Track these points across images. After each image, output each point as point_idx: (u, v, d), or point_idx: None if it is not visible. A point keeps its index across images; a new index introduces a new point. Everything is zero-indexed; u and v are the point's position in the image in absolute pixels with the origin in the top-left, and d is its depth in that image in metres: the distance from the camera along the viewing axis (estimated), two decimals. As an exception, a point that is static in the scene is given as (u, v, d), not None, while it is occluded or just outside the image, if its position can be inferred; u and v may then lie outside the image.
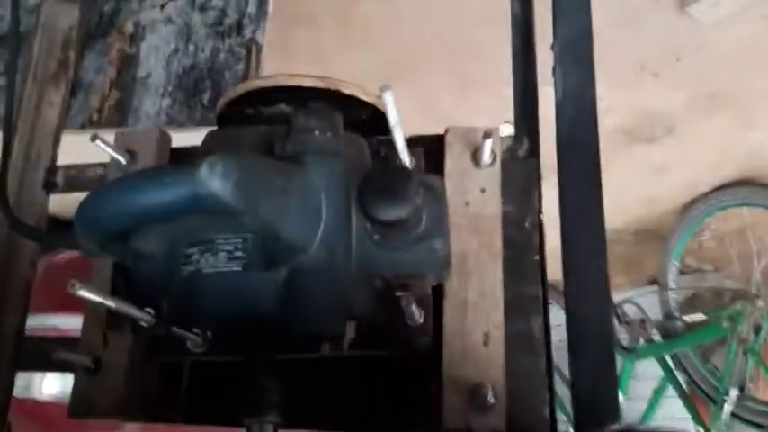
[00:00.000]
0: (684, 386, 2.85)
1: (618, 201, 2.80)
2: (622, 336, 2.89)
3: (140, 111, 1.08)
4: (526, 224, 0.78)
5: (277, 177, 0.50)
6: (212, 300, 0.53)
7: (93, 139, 0.74)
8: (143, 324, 0.62)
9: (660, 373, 2.91)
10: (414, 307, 0.56)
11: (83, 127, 1.07)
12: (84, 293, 0.50)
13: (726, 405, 2.56)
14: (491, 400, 0.63)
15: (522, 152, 0.82)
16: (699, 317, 2.83)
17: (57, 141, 1.03)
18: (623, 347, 2.81)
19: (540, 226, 0.78)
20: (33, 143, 0.99)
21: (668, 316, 3.07)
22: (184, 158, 0.84)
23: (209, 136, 0.61)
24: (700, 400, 2.78)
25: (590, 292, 0.44)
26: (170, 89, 1.07)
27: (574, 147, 0.47)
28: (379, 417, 0.75)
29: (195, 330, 0.65)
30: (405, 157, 0.61)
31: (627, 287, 3.25)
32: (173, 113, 1.06)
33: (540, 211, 0.79)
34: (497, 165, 0.73)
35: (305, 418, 0.76)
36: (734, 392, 2.55)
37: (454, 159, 0.73)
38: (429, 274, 0.55)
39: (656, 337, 2.95)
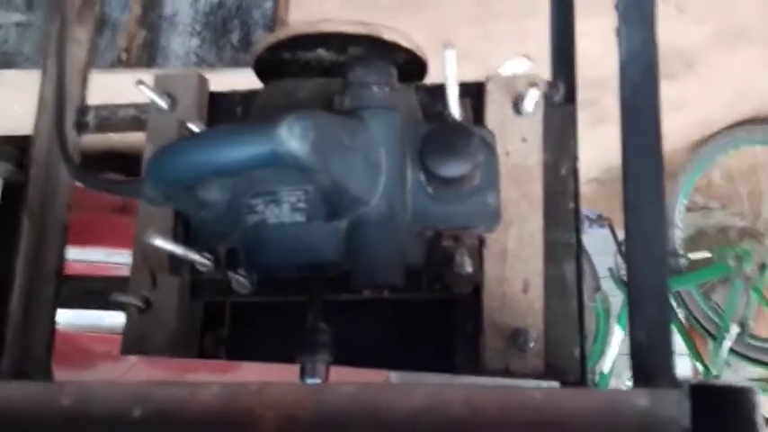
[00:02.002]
0: (684, 322, 2.92)
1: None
2: (624, 271, 2.93)
3: (168, 50, 1.07)
4: (562, 171, 0.79)
5: (345, 135, 0.51)
6: (276, 248, 0.55)
7: (139, 83, 0.74)
8: (201, 269, 0.65)
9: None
10: (465, 257, 0.58)
11: (111, 66, 1.06)
12: (159, 242, 0.52)
13: (726, 342, 2.63)
14: (530, 344, 0.66)
15: (558, 98, 0.82)
16: (704, 255, 2.87)
17: (85, 80, 1.03)
18: (625, 283, 2.86)
19: (575, 173, 0.80)
20: (62, 83, 0.99)
21: (673, 253, 3.11)
22: (225, 104, 0.85)
23: (268, 89, 0.62)
24: (699, 336, 2.85)
25: (651, 259, 0.46)
26: (198, 28, 1.06)
27: (637, 110, 0.47)
28: (423, 357, 0.79)
29: (244, 274, 0.68)
30: (455, 109, 0.62)
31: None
32: (202, 53, 1.05)
33: (575, 158, 0.80)
34: (539, 114, 0.73)
35: (353, 357, 0.80)
36: (735, 329, 2.62)
37: (495, 108, 0.73)
38: (480, 226, 0.57)
39: (660, 273, 2.99)
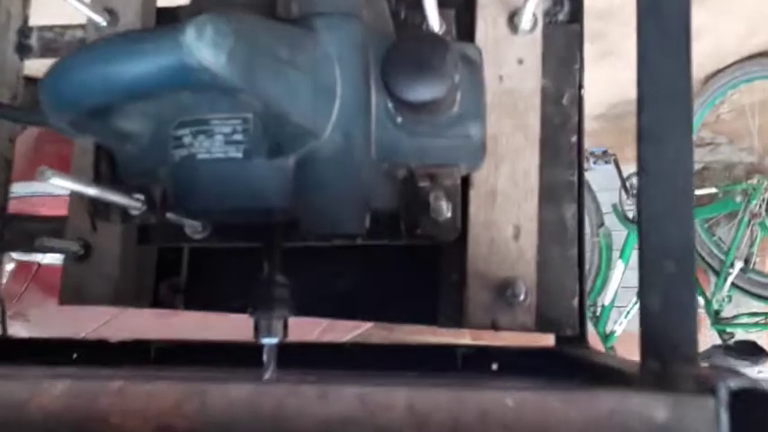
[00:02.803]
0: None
1: (635, 71, 2.64)
2: (629, 208, 2.85)
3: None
4: (564, 100, 0.69)
5: (282, 45, 0.40)
6: (208, 189, 0.45)
7: (64, -5, 0.63)
8: (133, 212, 0.55)
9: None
10: (441, 201, 0.48)
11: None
12: (58, 181, 0.42)
13: (729, 276, 2.58)
14: (520, 297, 0.58)
15: (561, 16, 0.71)
16: (709, 190, 2.77)
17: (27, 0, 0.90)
18: (629, 219, 2.78)
19: (579, 102, 0.69)
20: (1, 2, 0.87)
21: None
22: (174, 20, 0.73)
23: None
24: (701, 270, 2.80)
25: (672, 201, 0.36)
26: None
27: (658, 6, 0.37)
28: (403, 307, 0.71)
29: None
30: (434, 21, 0.51)
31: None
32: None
33: (580, 86, 0.69)
34: (538, 31, 0.62)
35: (318, 308, 0.72)
36: (739, 264, 2.56)
37: (488, 24, 0.62)
38: (461, 163, 0.47)
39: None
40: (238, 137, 0.44)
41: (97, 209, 0.52)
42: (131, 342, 0.73)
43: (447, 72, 0.41)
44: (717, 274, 2.69)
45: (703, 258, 2.78)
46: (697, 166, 3.07)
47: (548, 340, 0.69)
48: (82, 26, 0.87)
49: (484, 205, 0.59)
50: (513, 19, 0.61)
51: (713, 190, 2.78)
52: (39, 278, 1.81)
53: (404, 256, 0.73)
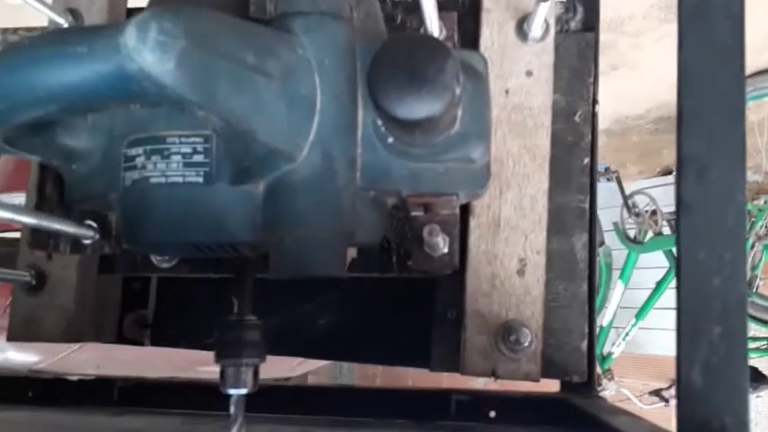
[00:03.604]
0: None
1: (644, 84, 2.59)
2: (630, 227, 2.79)
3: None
4: (576, 117, 0.62)
5: (248, 48, 0.33)
6: (163, 219, 0.38)
7: (18, -8, 0.56)
8: (84, 242, 0.48)
9: (663, 263, 2.84)
10: (437, 236, 0.41)
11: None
12: None
13: (732, 300, 2.50)
14: (524, 344, 0.50)
15: (574, 23, 0.64)
16: (714, 210, 2.70)
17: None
18: (630, 239, 2.72)
19: (593, 120, 0.62)
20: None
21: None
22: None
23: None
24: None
25: (720, 248, 0.29)
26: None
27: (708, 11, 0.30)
28: (393, 347, 0.64)
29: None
30: (434, 25, 0.44)
31: (640, 177, 3.13)
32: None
33: (594, 101, 0.63)
34: (550, 40, 0.55)
35: (295, 348, 0.65)
36: (743, 288, 2.49)
37: (493, 30, 0.55)
38: (461, 191, 0.40)
39: (666, 229, 2.86)
40: (199, 158, 0.37)
41: (43, 237, 0.45)
42: (93, 381, 0.66)
43: (447, 84, 0.34)
44: (720, 296, 2.62)
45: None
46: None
47: (552, 384, 0.62)
48: (41, 29, 0.80)
49: (486, 235, 0.52)
50: (522, 25, 0.54)
51: (717, 210, 2.72)
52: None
53: (393, 289, 0.66)
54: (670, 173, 3.07)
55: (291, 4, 0.37)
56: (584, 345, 0.60)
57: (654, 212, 2.87)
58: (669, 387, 2.83)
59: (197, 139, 0.37)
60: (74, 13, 0.63)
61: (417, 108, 0.34)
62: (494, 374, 0.52)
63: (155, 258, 0.55)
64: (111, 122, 0.39)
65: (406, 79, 0.34)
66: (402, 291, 0.65)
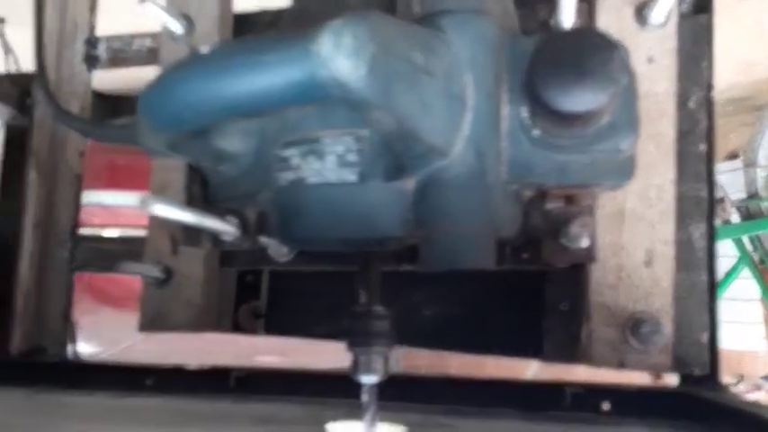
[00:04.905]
0: (758, 264, 2.68)
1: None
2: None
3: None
4: (690, 103, 0.61)
5: (416, 49, 0.34)
6: (319, 217, 0.39)
7: (142, 0, 0.58)
8: (225, 238, 0.50)
9: (732, 252, 2.73)
10: (580, 227, 0.41)
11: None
12: (160, 210, 0.37)
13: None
14: (655, 336, 0.50)
15: (685, 6, 0.63)
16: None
17: (94, 6, 0.87)
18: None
19: (708, 105, 0.61)
20: (68, 10, 0.84)
21: (752, 195, 2.83)
22: (252, 26, 0.68)
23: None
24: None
25: None
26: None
27: None
28: (503, 338, 0.64)
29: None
30: (569, 15, 0.44)
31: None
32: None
33: (710, 86, 0.61)
34: (671, 25, 0.54)
35: (417, 336, 0.66)
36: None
37: (611, 16, 0.54)
38: (607, 182, 0.40)
39: (734, 217, 2.75)
40: (352, 157, 0.38)
41: (193, 234, 0.47)
42: (209, 370, 0.69)
43: (613, 76, 0.34)
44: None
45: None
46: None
47: (632, 376, 0.61)
48: (151, 35, 0.83)
49: (610, 227, 0.52)
50: (641, 11, 0.53)
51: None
52: (91, 286, 1.81)
53: (499, 280, 0.66)
54: (736, 157, 2.95)
55: (440, 2, 0.38)
56: (705, 336, 0.58)
57: (722, 200, 2.77)
58: (737, 383, 2.72)
59: (350, 139, 0.38)
60: (186, 18, 0.66)
61: (583, 100, 0.34)
62: (622, 366, 0.52)
63: (273, 252, 0.57)
64: (262, 125, 0.41)
65: (573, 72, 0.34)
66: (508, 282, 0.66)
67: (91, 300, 1.81)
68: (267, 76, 0.33)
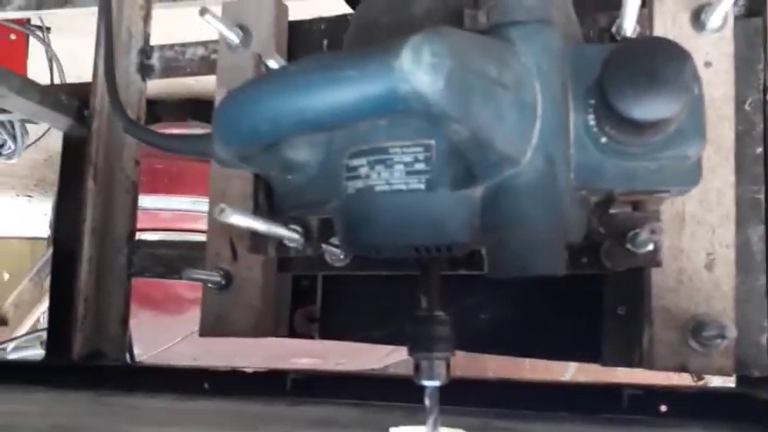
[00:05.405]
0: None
1: None
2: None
3: (240, -25, 0.92)
4: (746, 106, 0.60)
5: (490, 62, 0.35)
6: (387, 224, 0.40)
7: (203, 13, 0.60)
8: (289, 244, 0.52)
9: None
10: (648, 233, 0.42)
11: (175, -2, 0.93)
12: (237, 219, 0.38)
13: None
14: (718, 339, 0.50)
15: (737, 9, 0.62)
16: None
17: (148, 16, 0.90)
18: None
19: (764, 107, 0.61)
20: (122, 20, 0.86)
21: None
22: (307, 35, 0.70)
23: (365, 5, 0.46)
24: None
25: None
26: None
27: None
28: (558, 342, 0.64)
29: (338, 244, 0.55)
30: (631, 22, 0.44)
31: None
32: (278, -23, 0.90)
33: (765, 89, 0.61)
34: (728, 29, 0.54)
35: (470, 340, 0.66)
36: None
37: (666, 22, 0.54)
38: (674, 188, 0.40)
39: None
40: (420, 166, 0.39)
41: (261, 241, 0.49)
42: (265, 372, 0.70)
43: (686, 85, 0.34)
44: None
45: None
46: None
47: (677, 378, 0.61)
48: (203, 43, 0.85)
49: (670, 230, 0.52)
50: (698, 16, 0.54)
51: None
52: (134, 290, 1.86)
53: (554, 284, 0.67)
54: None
55: (507, 14, 0.38)
56: (764, 338, 0.58)
57: None
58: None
59: (417, 149, 0.39)
60: (243, 28, 0.68)
61: (657, 109, 0.34)
62: (684, 369, 0.52)
63: (329, 257, 0.59)
64: (330, 136, 0.42)
65: (647, 81, 0.34)
66: (562, 285, 0.66)
67: (132, 303, 1.85)
68: (349, 91, 0.34)
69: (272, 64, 0.49)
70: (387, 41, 0.34)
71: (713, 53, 0.54)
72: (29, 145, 1.76)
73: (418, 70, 0.31)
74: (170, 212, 1.91)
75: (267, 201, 0.49)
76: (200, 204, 1.78)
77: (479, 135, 0.35)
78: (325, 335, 0.71)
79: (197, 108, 2.34)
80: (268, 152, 0.42)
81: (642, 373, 0.59)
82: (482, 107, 0.34)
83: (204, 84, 0.87)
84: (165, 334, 1.95)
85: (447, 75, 0.31)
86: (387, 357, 2.07)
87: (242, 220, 0.42)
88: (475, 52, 0.34)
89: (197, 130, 1.91)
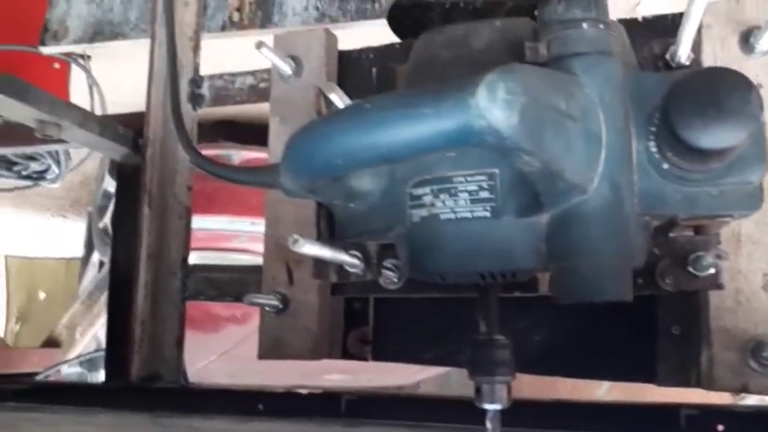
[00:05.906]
0: None
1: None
2: None
3: (285, 6, 0.95)
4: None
5: (559, 96, 0.36)
6: (453, 251, 0.42)
7: (258, 46, 0.62)
8: (350, 269, 0.53)
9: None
10: (711, 258, 0.42)
11: (223, 29, 0.96)
12: (308, 249, 0.40)
13: None
14: (782, 358, 0.50)
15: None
16: None
17: (197, 47, 0.93)
18: None
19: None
20: (174, 51, 0.89)
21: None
22: (356, 64, 0.72)
23: (424, 40, 0.48)
24: None
25: None
26: (314, -22, 0.93)
27: None
28: (613, 362, 0.65)
29: (391, 267, 0.56)
30: (686, 50, 0.45)
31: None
32: (323, 7, 0.93)
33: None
34: (778, 52, 0.55)
35: (524, 362, 0.67)
36: None
37: (715, 46, 0.55)
38: (735, 212, 0.41)
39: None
40: (485, 194, 0.40)
41: (324, 267, 0.50)
42: (320, 394, 0.72)
43: (753, 115, 0.35)
44: None
45: None
46: None
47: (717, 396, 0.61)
48: (251, 72, 0.88)
49: (728, 252, 0.52)
50: (747, 39, 0.54)
51: None
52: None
53: (610, 305, 0.67)
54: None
55: (569, 46, 0.40)
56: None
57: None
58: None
59: (481, 177, 0.40)
60: (295, 59, 0.70)
61: (723, 138, 0.35)
62: (745, 390, 0.52)
63: (383, 281, 0.60)
64: (394, 166, 0.44)
65: (713, 110, 0.35)
66: (616, 306, 0.66)
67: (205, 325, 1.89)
68: (425, 127, 0.35)
69: (334, 98, 0.51)
70: (456, 78, 0.36)
71: (762, 75, 0.54)
72: (71, 169, 1.82)
73: (494, 107, 0.33)
74: (206, 232, 1.95)
75: (328, 227, 0.51)
76: (236, 224, 1.82)
77: (550, 166, 0.36)
78: (378, 356, 0.72)
79: (230, 130, 2.39)
80: (335, 183, 0.43)
81: (674, 391, 0.59)
82: (553, 139, 0.35)
83: (238, 106, 0.90)
84: (201, 351, 1.99)
85: (521, 110, 0.33)
86: (417, 375, 2.08)
87: (313, 249, 0.44)
88: (545, 86, 0.36)
89: (231, 151, 1.95)
